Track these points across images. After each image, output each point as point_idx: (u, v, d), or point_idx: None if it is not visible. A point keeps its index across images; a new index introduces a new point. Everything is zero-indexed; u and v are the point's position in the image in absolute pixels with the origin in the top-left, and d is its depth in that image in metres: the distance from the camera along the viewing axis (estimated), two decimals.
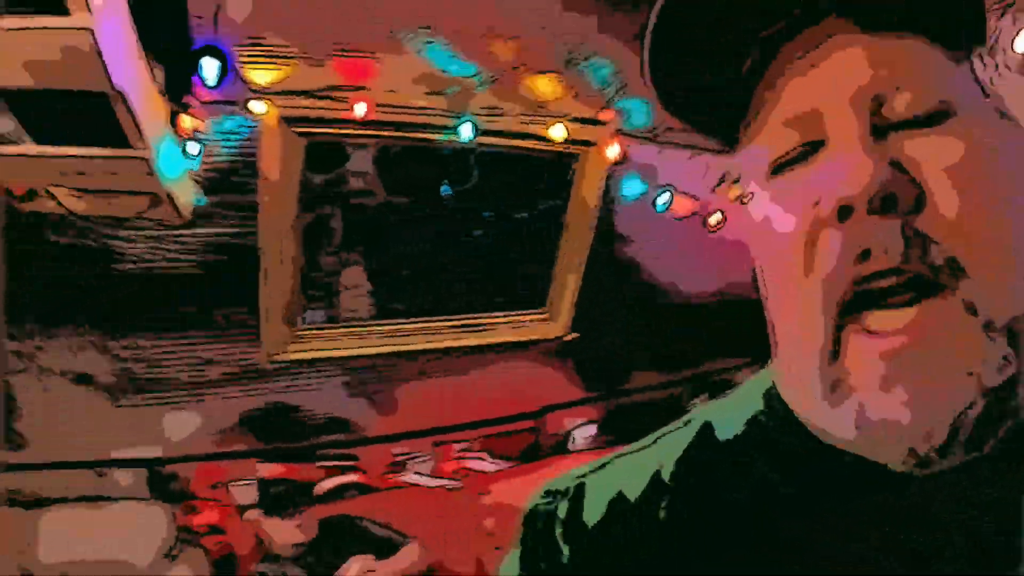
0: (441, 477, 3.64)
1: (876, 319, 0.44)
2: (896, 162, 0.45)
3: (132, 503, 3.36)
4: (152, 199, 2.44)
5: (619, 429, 3.92)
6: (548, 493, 0.61)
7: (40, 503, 3.29)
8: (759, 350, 0.57)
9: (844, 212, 0.44)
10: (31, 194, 2.40)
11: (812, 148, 0.48)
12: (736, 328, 3.77)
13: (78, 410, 3.21)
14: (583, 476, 0.61)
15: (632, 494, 0.57)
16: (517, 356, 3.59)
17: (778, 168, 0.50)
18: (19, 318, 2.93)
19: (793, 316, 0.49)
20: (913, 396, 0.43)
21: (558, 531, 0.59)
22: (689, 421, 0.60)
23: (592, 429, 3.82)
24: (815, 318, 0.46)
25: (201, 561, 3.29)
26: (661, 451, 0.59)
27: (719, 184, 3.43)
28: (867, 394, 0.45)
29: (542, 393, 3.73)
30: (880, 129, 0.46)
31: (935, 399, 0.43)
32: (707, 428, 0.58)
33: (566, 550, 0.58)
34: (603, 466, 0.61)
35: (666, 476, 0.56)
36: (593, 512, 0.58)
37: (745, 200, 0.54)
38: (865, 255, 0.44)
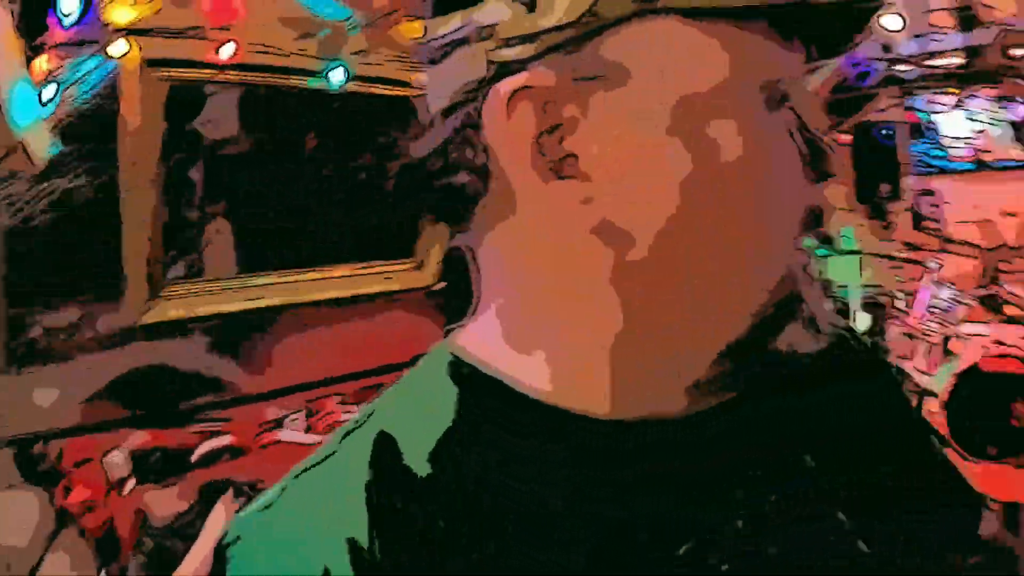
0: (316, 432, 3.56)
1: None
2: None
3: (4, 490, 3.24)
4: (4, 149, 2.37)
5: None
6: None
7: None
8: None
9: None
10: None
11: None
12: None
13: None
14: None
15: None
16: (388, 307, 3.55)
17: None
18: None
19: None
20: None
21: None
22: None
23: None
24: None
25: (81, 542, 3.17)
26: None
27: None
28: None
29: (415, 343, 3.61)
30: None
31: None
32: None
33: None
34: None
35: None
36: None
37: None
38: None
